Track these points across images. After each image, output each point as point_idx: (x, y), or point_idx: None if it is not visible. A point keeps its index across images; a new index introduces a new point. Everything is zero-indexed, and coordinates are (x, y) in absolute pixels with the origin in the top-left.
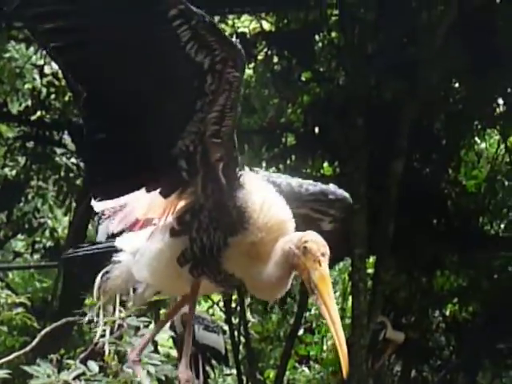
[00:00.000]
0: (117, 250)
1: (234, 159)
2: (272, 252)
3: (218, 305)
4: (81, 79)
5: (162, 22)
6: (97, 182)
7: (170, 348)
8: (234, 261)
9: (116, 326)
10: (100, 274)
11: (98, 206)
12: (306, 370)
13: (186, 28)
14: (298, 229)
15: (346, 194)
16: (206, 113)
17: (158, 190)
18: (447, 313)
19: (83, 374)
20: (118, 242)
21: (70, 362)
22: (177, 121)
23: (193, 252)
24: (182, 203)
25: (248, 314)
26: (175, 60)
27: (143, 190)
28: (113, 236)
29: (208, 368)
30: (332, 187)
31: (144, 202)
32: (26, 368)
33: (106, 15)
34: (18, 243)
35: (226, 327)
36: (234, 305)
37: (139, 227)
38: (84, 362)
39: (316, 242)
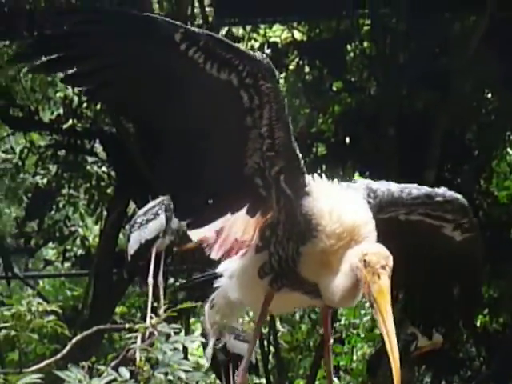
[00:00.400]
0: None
1: (297, 168)
2: (342, 260)
3: (247, 314)
4: (134, 121)
5: (170, 48)
6: (185, 213)
7: (200, 357)
8: (309, 269)
9: (147, 333)
10: (207, 304)
11: (193, 234)
12: (336, 380)
13: (195, 50)
14: (419, 237)
15: (458, 196)
16: (258, 128)
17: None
18: (478, 324)
19: (114, 380)
20: (220, 268)
21: (102, 367)
22: (237, 141)
23: (271, 265)
24: (264, 220)
25: (278, 324)
26: (205, 84)
27: (237, 214)
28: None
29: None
30: (442, 190)
31: (239, 225)
32: (58, 373)
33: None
34: (49, 251)
35: None
36: None
37: (237, 251)
38: (115, 368)
39: (376, 255)
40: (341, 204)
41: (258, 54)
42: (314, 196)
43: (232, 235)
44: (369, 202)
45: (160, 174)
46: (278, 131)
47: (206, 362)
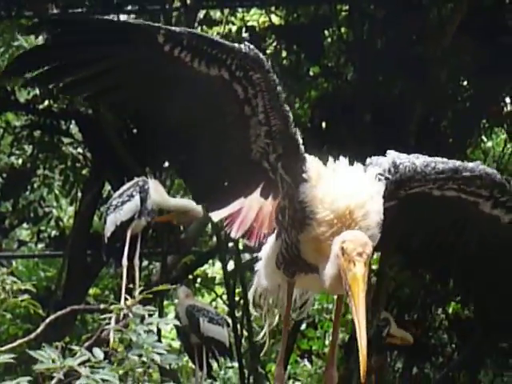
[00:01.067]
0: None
1: (295, 154)
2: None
3: (221, 298)
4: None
5: (156, 51)
6: (204, 198)
7: (172, 339)
8: (309, 256)
9: (122, 314)
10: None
11: (214, 216)
12: (308, 364)
13: (180, 50)
14: (458, 215)
15: (489, 171)
16: (256, 116)
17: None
18: (450, 310)
19: (88, 360)
20: (261, 251)
21: (76, 348)
22: (241, 128)
23: (282, 253)
24: (277, 203)
25: (251, 308)
26: (198, 80)
27: (252, 196)
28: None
29: (211, 360)
30: (472, 164)
31: (255, 207)
32: (31, 352)
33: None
34: (23, 232)
35: (229, 320)
36: (237, 298)
37: (257, 232)
38: (89, 349)
39: (353, 242)
40: (336, 189)
41: (244, 46)
42: (311, 182)
43: (249, 216)
44: (386, 178)
45: (176, 162)
46: (274, 119)
47: (178, 345)
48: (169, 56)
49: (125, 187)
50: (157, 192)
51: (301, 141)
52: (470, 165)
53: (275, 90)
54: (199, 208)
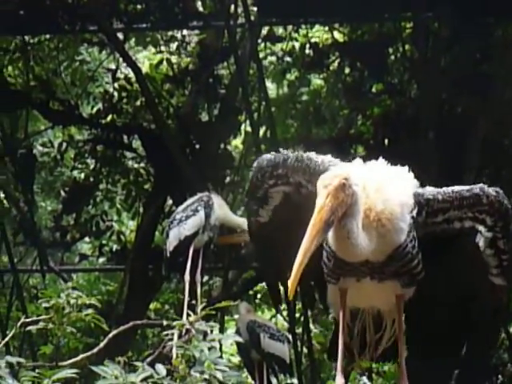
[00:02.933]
0: None
1: None
2: None
3: (281, 314)
4: None
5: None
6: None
7: (231, 355)
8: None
9: (184, 330)
10: None
11: None
12: (368, 382)
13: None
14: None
15: (490, 192)
16: None
17: None
18: (511, 329)
19: (151, 376)
20: None
21: (138, 364)
22: None
23: (323, 261)
24: None
25: (311, 325)
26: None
27: None
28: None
29: (271, 376)
30: (478, 187)
31: None
32: (94, 368)
33: None
34: (84, 246)
35: (289, 337)
36: (297, 315)
37: None
38: (151, 364)
39: (323, 177)
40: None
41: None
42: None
43: None
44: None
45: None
46: None
47: (237, 361)
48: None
49: (189, 202)
50: (221, 208)
51: None
52: (475, 188)
53: None
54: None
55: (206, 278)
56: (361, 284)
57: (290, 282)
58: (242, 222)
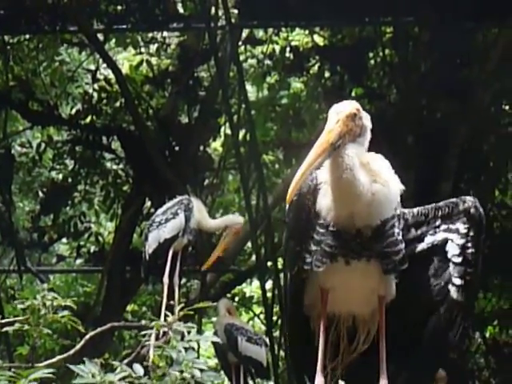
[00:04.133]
0: None
1: None
2: None
3: (259, 317)
4: None
5: None
6: None
7: (208, 357)
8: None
9: (162, 331)
10: None
11: None
12: None
13: None
14: None
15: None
16: None
17: None
18: (487, 335)
19: (128, 376)
20: None
21: (116, 363)
22: None
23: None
24: None
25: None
26: None
27: None
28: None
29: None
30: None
31: None
32: (72, 367)
33: None
34: (62, 247)
35: (267, 340)
36: (275, 318)
37: None
38: (129, 365)
39: (336, 105)
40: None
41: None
42: None
43: None
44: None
45: None
46: None
47: (214, 363)
48: None
49: (169, 205)
50: (199, 212)
51: None
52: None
53: None
54: (239, 220)
55: (183, 280)
56: (349, 270)
57: (289, 190)
58: (222, 223)
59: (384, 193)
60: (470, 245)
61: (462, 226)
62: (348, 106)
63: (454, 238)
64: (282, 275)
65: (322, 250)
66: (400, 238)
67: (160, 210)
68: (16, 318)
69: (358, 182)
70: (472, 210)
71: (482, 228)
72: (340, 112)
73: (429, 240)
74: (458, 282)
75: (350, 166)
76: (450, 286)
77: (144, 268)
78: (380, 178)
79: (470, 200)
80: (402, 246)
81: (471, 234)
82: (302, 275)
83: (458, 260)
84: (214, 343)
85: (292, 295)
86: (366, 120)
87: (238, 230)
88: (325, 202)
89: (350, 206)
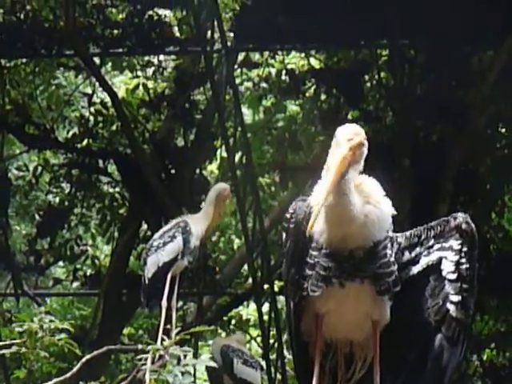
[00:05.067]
0: None
1: None
2: None
3: (255, 340)
4: None
5: None
6: None
7: (205, 381)
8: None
9: (158, 355)
10: None
11: None
12: None
13: None
14: None
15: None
16: None
17: None
18: (485, 357)
19: None
20: None
21: None
22: None
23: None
24: None
25: (285, 351)
26: None
27: None
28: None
29: None
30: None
31: None
32: None
33: None
34: (58, 270)
35: (262, 363)
36: (271, 341)
37: None
38: None
39: (346, 129)
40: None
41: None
42: None
43: None
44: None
45: None
46: None
47: None
48: None
49: (165, 228)
50: (196, 225)
51: None
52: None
53: None
54: (224, 185)
55: (180, 303)
56: (343, 293)
57: (311, 220)
58: (210, 204)
59: (376, 214)
60: (464, 260)
61: (455, 243)
62: (357, 134)
63: (448, 256)
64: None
65: (317, 273)
66: (392, 259)
67: (157, 234)
68: (13, 341)
69: (352, 206)
70: (464, 226)
71: (474, 243)
72: (351, 140)
73: (423, 261)
74: (455, 298)
75: (347, 192)
76: (449, 304)
77: (144, 293)
78: (372, 200)
79: (461, 216)
80: (395, 267)
81: (464, 249)
82: (302, 303)
83: (453, 277)
84: (207, 366)
85: (296, 324)
86: (366, 146)
87: (228, 194)
88: (317, 225)
89: (343, 228)
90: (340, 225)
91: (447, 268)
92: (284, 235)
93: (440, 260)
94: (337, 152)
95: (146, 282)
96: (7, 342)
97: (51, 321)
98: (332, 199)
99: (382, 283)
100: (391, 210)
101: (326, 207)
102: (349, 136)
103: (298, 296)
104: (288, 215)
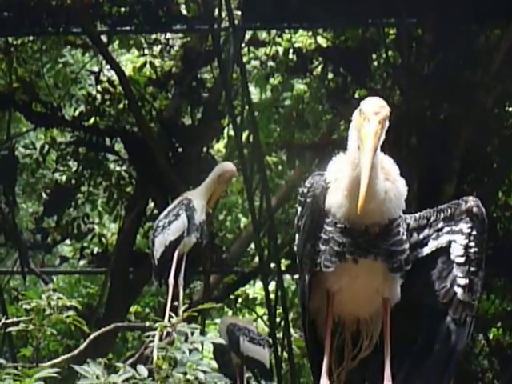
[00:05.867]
0: None
1: None
2: None
3: (262, 318)
4: None
5: None
6: None
7: (211, 359)
8: None
9: (165, 332)
10: None
11: None
12: None
13: None
14: None
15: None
16: None
17: None
18: (491, 336)
19: (132, 377)
20: None
21: (119, 364)
22: None
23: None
24: None
25: (291, 329)
26: None
27: None
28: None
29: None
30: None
31: None
32: (76, 367)
33: None
34: (65, 248)
35: (270, 341)
36: (278, 319)
37: None
38: (133, 366)
39: (372, 103)
40: None
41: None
42: None
43: None
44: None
45: None
46: None
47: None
48: None
49: (169, 207)
50: (198, 199)
51: None
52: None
53: None
54: (230, 166)
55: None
56: (356, 269)
57: (360, 201)
58: (213, 179)
59: (394, 191)
60: (473, 244)
61: (465, 226)
62: (383, 107)
63: (457, 239)
64: (289, 279)
65: (331, 249)
66: (405, 238)
67: (162, 214)
68: (20, 318)
69: (378, 181)
70: (475, 209)
71: (484, 227)
72: (378, 113)
73: (432, 244)
74: (462, 282)
75: (375, 165)
76: (456, 288)
77: (155, 273)
78: (391, 177)
79: (472, 199)
80: (407, 246)
81: (474, 233)
82: (312, 280)
83: (462, 260)
84: (214, 344)
85: (309, 300)
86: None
87: (231, 176)
88: (335, 199)
89: (365, 203)
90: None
91: (456, 251)
92: (299, 209)
93: (449, 243)
94: (367, 127)
95: (156, 262)
96: (14, 319)
97: (59, 298)
98: (358, 173)
99: (394, 261)
100: (406, 189)
101: (348, 181)
102: (376, 109)
103: (311, 272)
104: (305, 189)
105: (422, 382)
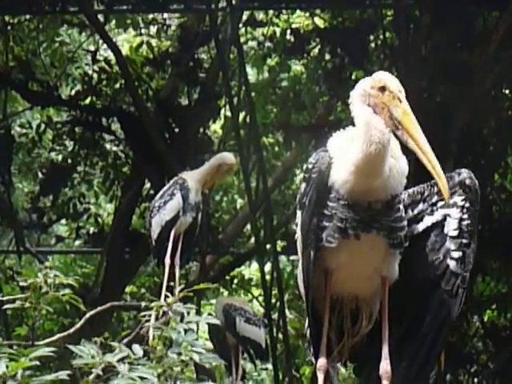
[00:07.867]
0: None
1: None
2: None
3: (257, 299)
4: None
5: None
6: None
7: (206, 339)
8: None
9: (161, 312)
10: None
11: None
12: (342, 368)
13: None
14: None
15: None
16: None
17: None
18: (486, 318)
19: (127, 356)
20: None
21: (115, 344)
22: None
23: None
24: None
25: (286, 310)
26: None
27: None
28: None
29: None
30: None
31: None
32: (71, 347)
33: None
34: (61, 228)
35: (265, 321)
36: (273, 300)
37: None
38: (128, 345)
39: (393, 79)
40: None
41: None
42: None
43: None
44: None
45: None
46: None
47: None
48: None
49: (165, 188)
50: (193, 181)
51: None
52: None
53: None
54: (230, 157)
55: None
56: (358, 245)
57: (443, 185)
58: (211, 166)
59: (397, 168)
60: (466, 216)
61: (458, 199)
62: (398, 83)
63: (451, 213)
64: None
65: (334, 225)
66: (404, 214)
67: (158, 195)
68: (16, 296)
69: (388, 158)
70: (467, 181)
71: (477, 199)
72: (402, 90)
73: (428, 220)
74: (456, 254)
75: (388, 141)
76: (449, 260)
77: (153, 253)
78: (394, 154)
79: (464, 171)
80: (406, 223)
81: (467, 205)
82: (319, 254)
83: (455, 233)
84: (209, 324)
85: (313, 275)
86: None
87: (229, 169)
88: (339, 175)
89: (371, 180)
90: (370, 176)
91: (450, 225)
92: (303, 186)
93: (444, 217)
94: (403, 107)
95: (154, 243)
96: (10, 297)
97: (56, 276)
98: (373, 150)
99: (395, 236)
100: (407, 166)
101: (359, 157)
102: (400, 87)
103: (317, 247)
104: (310, 165)
105: (413, 352)
